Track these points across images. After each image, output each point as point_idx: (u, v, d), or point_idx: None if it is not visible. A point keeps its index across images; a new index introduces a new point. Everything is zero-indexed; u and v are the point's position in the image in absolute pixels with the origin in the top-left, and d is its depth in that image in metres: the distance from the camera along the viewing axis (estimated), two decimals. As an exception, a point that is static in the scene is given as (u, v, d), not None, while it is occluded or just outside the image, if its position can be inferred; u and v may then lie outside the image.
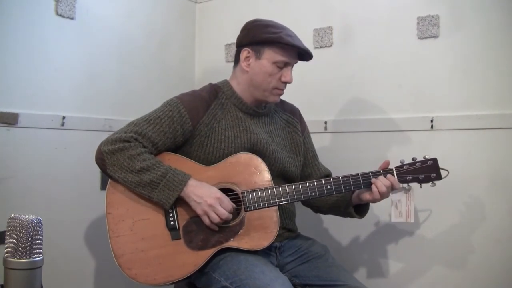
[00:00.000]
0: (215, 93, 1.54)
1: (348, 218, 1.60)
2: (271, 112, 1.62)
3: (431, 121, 1.79)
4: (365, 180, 1.43)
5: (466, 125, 1.73)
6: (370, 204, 1.55)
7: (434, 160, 1.44)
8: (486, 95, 1.71)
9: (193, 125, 1.46)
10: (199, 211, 1.35)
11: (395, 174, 1.44)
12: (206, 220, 1.36)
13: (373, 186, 1.41)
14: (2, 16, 1.62)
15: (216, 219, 1.34)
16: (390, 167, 1.46)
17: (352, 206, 1.52)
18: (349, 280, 1.42)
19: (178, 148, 1.48)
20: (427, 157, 1.45)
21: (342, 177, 1.44)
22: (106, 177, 1.44)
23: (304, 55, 1.51)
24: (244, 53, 1.50)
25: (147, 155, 1.39)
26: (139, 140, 1.40)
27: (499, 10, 1.69)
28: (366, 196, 1.45)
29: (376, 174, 1.44)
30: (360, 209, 1.56)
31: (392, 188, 1.42)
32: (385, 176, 1.42)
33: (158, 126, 1.43)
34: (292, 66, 1.52)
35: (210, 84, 1.59)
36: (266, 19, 1.53)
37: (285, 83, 1.50)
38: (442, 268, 1.78)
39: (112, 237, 1.36)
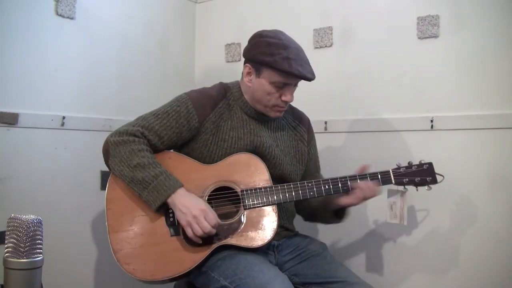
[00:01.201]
0: (224, 93, 1.54)
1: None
2: (279, 118, 1.60)
3: (431, 121, 1.79)
4: (362, 180, 1.45)
5: (466, 125, 1.73)
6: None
7: (430, 164, 1.47)
8: (486, 95, 1.71)
9: (200, 122, 1.47)
10: (183, 222, 1.33)
11: (392, 176, 1.46)
12: (189, 232, 1.33)
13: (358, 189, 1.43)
14: (2, 16, 1.62)
15: (199, 231, 1.31)
16: (387, 169, 1.47)
17: (333, 209, 1.53)
18: (348, 276, 1.42)
19: (185, 144, 1.49)
20: (422, 161, 1.48)
21: (340, 178, 1.46)
22: (106, 177, 1.44)
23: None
24: (246, 68, 1.49)
25: (147, 153, 1.39)
26: (145, 134, 1.42)
27: (499, 10, 1.69)
28: (348, 200, 1.47)
29: (372, 175, 1.46)
30: (340, 213, 1.57)
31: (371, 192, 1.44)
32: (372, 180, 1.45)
33: (165, 121, 1.44)
34: (296, 84, 1.49)
35: (221, 83, 1.59)
36: (274, 34, 1.45)
37: (285, 102, 1.48)
38: (443, 268, 1.78)
39: (111, 232, 1.36)
